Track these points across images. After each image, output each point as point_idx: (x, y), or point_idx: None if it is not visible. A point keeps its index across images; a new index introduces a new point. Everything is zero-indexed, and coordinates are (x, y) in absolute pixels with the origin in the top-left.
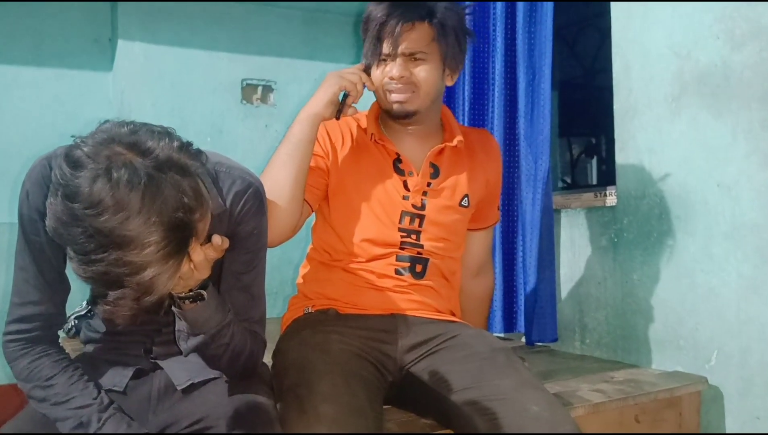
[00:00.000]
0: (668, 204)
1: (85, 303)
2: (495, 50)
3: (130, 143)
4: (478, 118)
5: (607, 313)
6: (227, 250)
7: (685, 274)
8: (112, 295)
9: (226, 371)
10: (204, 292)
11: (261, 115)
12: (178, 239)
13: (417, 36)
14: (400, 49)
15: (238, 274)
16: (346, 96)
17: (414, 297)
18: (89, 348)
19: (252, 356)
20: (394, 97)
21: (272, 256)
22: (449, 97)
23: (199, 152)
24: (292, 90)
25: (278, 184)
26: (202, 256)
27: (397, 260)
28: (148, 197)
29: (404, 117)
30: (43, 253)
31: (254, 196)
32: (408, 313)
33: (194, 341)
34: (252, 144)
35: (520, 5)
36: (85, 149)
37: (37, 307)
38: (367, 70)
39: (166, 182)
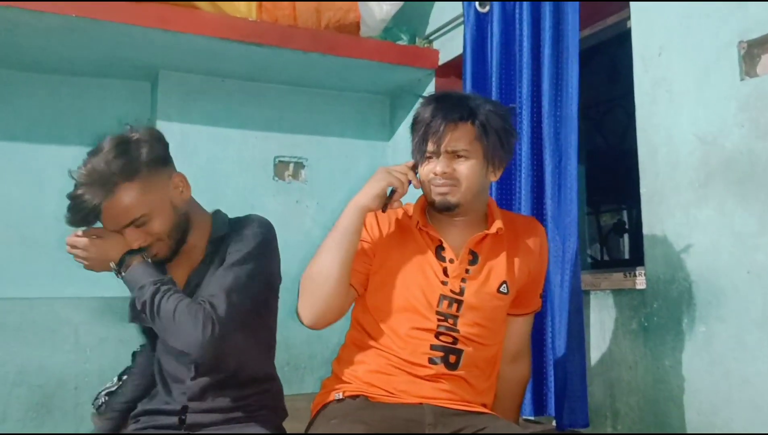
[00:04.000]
0: (698, 289)
1: (116, 379)
2: (521, 133)
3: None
4: (505, 200)
5: (639, 399)
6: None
7: (717, 361)
8: None
9: (171, 331)
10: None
11: (292, 191)
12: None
13: (460, 135)
14: (443, 147)
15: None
16: (393, 191)
17: (444, 386)
18: None
19: (185, 311)
20: (438, 190)
21: (302, 330)
22: None
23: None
24: (323, 166)
25: (325, 269)
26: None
27: (431, 349)
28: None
29: (447, 209)
30: None
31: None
32: (437, 402)
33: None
34: (284, 219)
35: (545, 89)
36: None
37: None
38: (415, 168)
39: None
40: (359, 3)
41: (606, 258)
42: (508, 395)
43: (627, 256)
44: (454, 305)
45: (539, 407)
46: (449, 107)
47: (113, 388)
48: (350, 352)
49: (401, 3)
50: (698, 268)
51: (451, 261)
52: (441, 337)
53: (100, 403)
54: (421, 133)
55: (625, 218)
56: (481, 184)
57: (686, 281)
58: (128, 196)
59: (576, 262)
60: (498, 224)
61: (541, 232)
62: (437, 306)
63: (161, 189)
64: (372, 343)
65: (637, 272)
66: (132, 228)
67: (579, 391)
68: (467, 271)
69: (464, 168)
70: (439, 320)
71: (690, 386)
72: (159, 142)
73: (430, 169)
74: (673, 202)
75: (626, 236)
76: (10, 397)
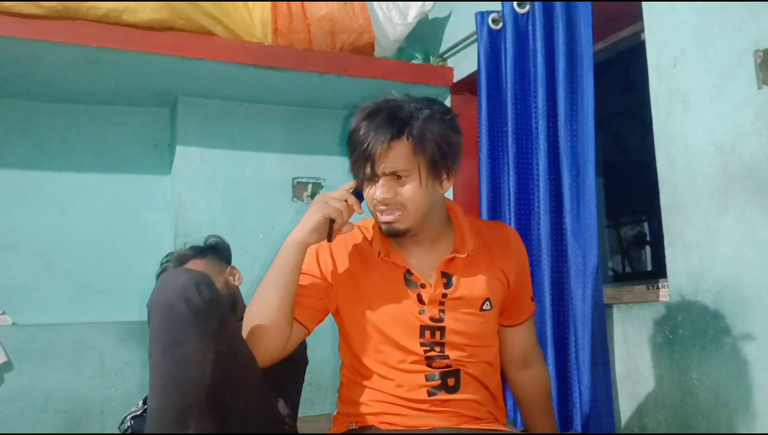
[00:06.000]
0: (722, 300)
1: (141, 403)
2: (538, 147)
3: None
4: (524, 215)
5: (667, 413)
6: None
7: (745, 373)
8: None
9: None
10: None
11: None
12: None
13: (396, 153)
14: (380, 169)
15: None
16: (334, 221)
17: (453, 412)
18: None
19: None
20: (383, 217)
21: (323, 350)
22: (494, 193)
23: None
24: (341, 186)
25: (265, 308)
26: None
27: (427, 380)
28: None
29: (395, 235)
30: None
31: None
32: (450, 425)
33: None
34: None
35: (560, 103)
36: None
37: None
38: (357, 190)
39: None
40: (373, 24)
41: (628, 270)
42: (536, 401)
43: (649, 268)
44: (437, 333)
45: (566, 423)
46: (380, 125)
47: (138, 412)
48: (349, 392)
49: (415, 23)
50: (722, 278)
51: (423, 286)
52: (433, 364)
53: (126, 427)
54: (356, 155)
55: (646, 230)
56: (430, 201)
57: (710, 292)
58: (194, 267)
59: (597, 276)
60: (470, 245)
61: (513, 237)
62: (420, 337)
63: (219, 271)
64: (366, 382)
65: (660, 284)
66: None
67: (605, 407)
68: (444, 295)
69: (407, 189)
70: (425, 351)
71: (718, 399)
72: (224, 243)
73: (371, 194)
74: (693, 212)
75: (648, 248)
76: (38, 423)
